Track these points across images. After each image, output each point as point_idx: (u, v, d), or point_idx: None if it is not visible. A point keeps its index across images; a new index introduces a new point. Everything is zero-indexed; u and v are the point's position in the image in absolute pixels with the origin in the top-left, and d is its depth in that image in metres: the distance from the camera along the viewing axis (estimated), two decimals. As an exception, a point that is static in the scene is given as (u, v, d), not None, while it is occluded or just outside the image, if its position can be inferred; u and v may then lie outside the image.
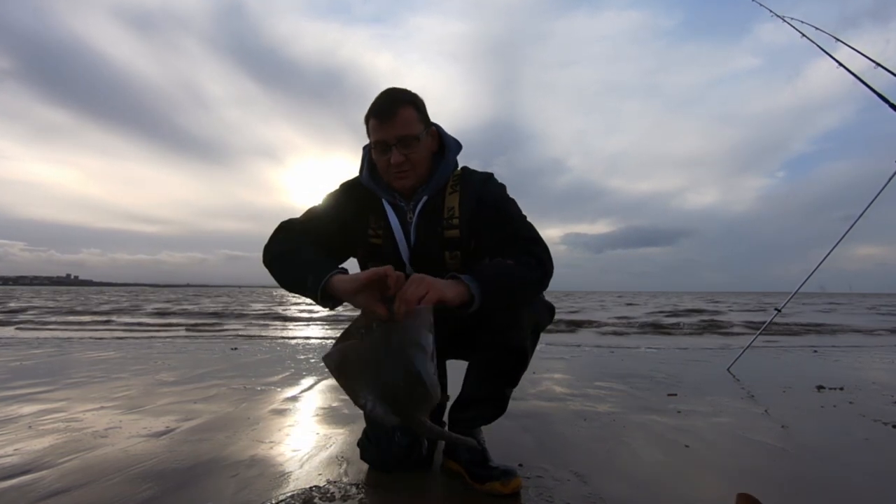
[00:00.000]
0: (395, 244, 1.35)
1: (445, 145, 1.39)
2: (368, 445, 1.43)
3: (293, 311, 14.39)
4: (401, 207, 1.37)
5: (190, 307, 16.17)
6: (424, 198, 1.35)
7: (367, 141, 1.36)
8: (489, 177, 1.41)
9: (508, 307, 1.24)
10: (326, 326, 9.37)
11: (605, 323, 10.24)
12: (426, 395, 0.95)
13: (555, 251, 1.28)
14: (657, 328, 9.34)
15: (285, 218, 1.37)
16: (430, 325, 0.99)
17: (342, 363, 0.99)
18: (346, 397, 2.42)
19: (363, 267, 1.39)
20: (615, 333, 7.74)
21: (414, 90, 1.34)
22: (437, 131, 1.39)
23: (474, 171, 1.43)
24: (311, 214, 1.38)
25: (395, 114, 1.27)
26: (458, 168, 1.42)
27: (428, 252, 1.35)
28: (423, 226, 1.35)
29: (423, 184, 1.34)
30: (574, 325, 9.61)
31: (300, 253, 1.23)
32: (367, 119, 1.32)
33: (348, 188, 1.42)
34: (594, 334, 7.51)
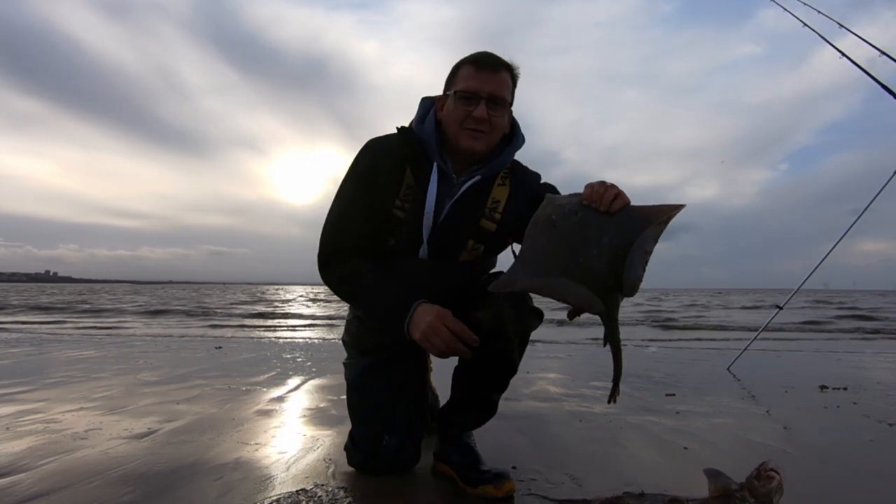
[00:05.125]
0: (421, 215, 1.25)
1: (515, 135, 1.33)
2: (354, 449, 1.38)
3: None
4: (450, 177, 1.28)
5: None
6: (478, 177, 1.27)
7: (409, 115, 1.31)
8: (540, 178, 1.37)
9: None
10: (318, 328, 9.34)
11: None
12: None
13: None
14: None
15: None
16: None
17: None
18: (334, 397, 2.39)
19: (378, 238, 1.28)
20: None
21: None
22: (513, 117, 1.33)
23: (527, 168, 1.38)
24: (346, 219, 1.27)
25: (498, 70, 1.23)
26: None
27: (453, 234, 1.28)
28: (462, 205, 1.27)
29: (483, 162, 1.28)
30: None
31: (372, 292, 1.23)
32: (459, 67, 1.25)
33: (391, 138, 1.29)
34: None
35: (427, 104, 1.32)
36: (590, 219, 1.06)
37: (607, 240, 1.04)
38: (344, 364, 1.47)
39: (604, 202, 1.05)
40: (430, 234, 1.27)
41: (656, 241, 1.04)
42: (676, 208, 1.04)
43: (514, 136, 1.32)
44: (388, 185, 1.26)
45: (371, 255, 1.27)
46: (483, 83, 1.20)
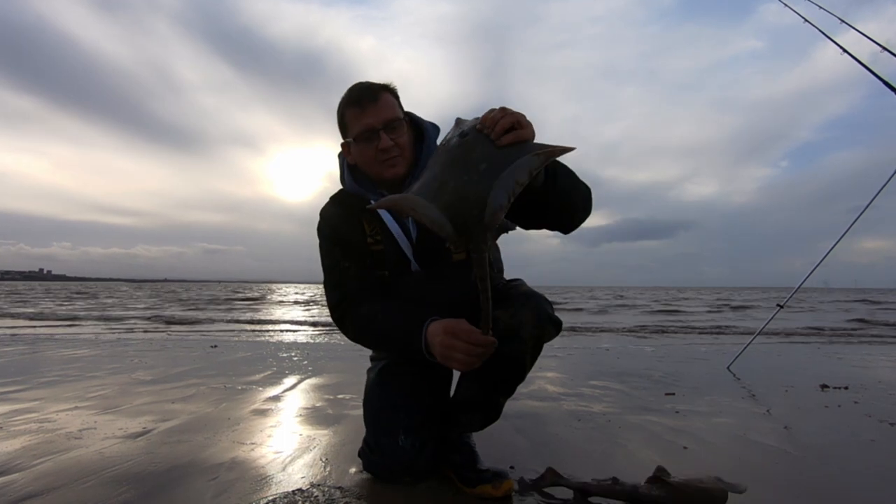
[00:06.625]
0: (397, 244, 1.30)
1: (423, 130, 1.34)
2: (370, 453, 1.34)
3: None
4: None
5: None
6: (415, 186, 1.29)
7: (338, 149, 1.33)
8: None
9: (568, 197, 1.15)
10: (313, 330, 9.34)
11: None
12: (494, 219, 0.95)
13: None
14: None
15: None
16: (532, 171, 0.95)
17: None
18: (331, 396, 2.38)
19: (372, 276, 1.33)
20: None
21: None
22: (411, 119, 1.34)
23: None
24: (339, 271, 1.33)
25: (378, 98, 1.25)
26: None
27: (432, 244, 1.29)
28: None
29: (410, 174, 1.29)
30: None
31: (386, 334, 1.25)
32: (343, 112, 1.28)
33: (334, 205, 1.37)
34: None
35: (341, 160, 1.37)
36: (475, 143, 0.99)
37: (485, 167, 0.96)
38: (367, 372, 1.49)
39: (496, 130, 0.99)
40: (414, 255, 1.30)
41: (531, 176, 0.95)
42: (564, 149, 0.96)
43: (423, 133, 1.33)
44: (353, 234, 1.33)
45: (375, 295, 1.31)
46: (373, 116, 1.23)
